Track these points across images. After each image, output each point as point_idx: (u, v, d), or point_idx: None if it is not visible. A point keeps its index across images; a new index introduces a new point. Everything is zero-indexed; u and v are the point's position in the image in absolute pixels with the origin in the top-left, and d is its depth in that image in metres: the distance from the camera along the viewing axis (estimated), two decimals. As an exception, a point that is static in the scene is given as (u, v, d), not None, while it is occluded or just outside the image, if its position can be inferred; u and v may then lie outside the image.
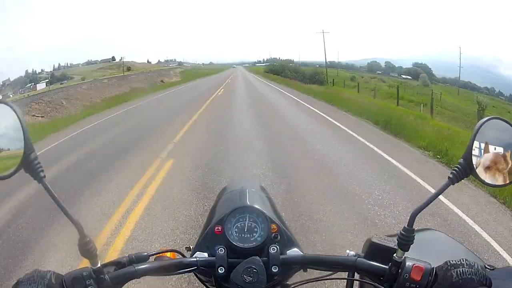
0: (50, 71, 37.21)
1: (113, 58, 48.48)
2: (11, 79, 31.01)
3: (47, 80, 33.84)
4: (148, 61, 56.97)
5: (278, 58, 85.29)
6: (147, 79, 36.20)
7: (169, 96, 20.08)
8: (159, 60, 61.45)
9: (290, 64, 46.40)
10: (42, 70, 36.97)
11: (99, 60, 46.24)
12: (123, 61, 44.85)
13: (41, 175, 0.56)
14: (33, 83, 32.31)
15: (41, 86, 31.98)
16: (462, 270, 0.57)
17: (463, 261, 0.58)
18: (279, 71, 41.53)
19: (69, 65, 41.67)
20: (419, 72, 40.65)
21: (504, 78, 32.72)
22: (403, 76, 37.48)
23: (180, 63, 60.52)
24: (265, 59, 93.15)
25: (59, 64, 39.74)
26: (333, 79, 33.58)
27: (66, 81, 30.99)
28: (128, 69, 40.91)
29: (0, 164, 0.57)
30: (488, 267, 0.62)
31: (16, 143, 0.56)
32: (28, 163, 0.56)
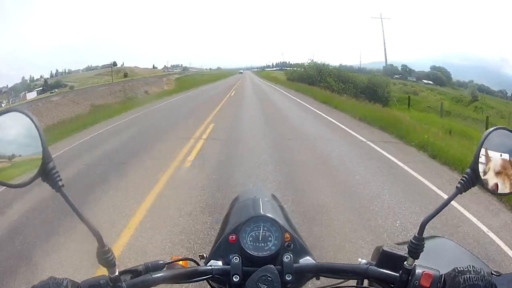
0: (47, 78, 36.45)
1: (115, 64, 46.47)
2: (9, 86, 30.34)
3: (41, 88, 31.49)
4: (154, 66, 56.45)
5: (288, 62, 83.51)
6: (130, 89, 31.69)
7: (127, 125, 12.05)
8: (165, 66, 60.41)
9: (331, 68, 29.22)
10: (41, 76, 36.17)
11: (100, 65, 43.65)
12: (122, 67, 42.79)
13: (60, 184, 0.58)
14: (26, 91, 29.30)
15: (32, 95, 29.70)
16: (469, 276, 0.61)
17: (470, 267, 0.62)
18: (315, 80, 26.59)
19: (67, 71, 39.01)
20: (438, 76, 37.53)
21: (509, 79, 32.43)
22: (424, 81, 34.34)
23: (185, 68, 59.06)
24: (274, 63, 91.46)
25: (56, 70, 37.67)
26: (394, 97, 25.80)
27: (57, 90, 28.82)
28: (125, 75, 40.22)
29: (17, 172, 0.59)
30: (495, 273, 0.66)
31: (32, 151, 0.58)
32: (47, 172, 0.57)
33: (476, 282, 0.60)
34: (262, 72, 76.88)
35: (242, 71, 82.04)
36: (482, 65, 36.22)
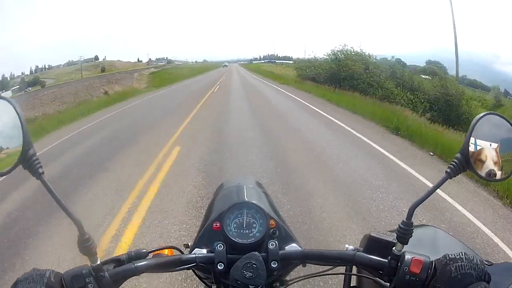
0: (26, 75, 34.97)
1: (96, 58, 44.80)
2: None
3: (17, 86, 29.61)
4: (138, 59, 56.04)
5: (276, 55, 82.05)
6: (87, 90, 26.87)
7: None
8: (150, 59, 60.16)
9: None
10: (22, 73, 34.69)
11: (81, 60, 41.80)
12: (103, 61, 40.89)
13: (40, 171, 0.58)
14: (3, 90, 29.78)
15: (7, 94, 27.69)
16: (461, 264, 0.60)
17: (462, 255, 0.61)
18: (341, 78, 17.42)
19: (47, 67, 36.89)
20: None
21: (502, 75, 31.62)
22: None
23: (169, 61, 57.81)
24: (262, 56, 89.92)
25: (36, 66, 37.18)
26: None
27: (30, 88, 27.17)
28: (103, 70, 38.34)
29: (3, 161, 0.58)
30: (486, 263, 0.65)
31: (14, 139, 0.58)
32: (27, 159, 0.57)
33: (468, 271, 0.59)
34: (250, 65, 75.16)
35: (227, 63, 74.86)
36: (473, 60, 34.87)
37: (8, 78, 31.19)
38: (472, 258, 0.61)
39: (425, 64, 40.12)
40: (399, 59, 44.68)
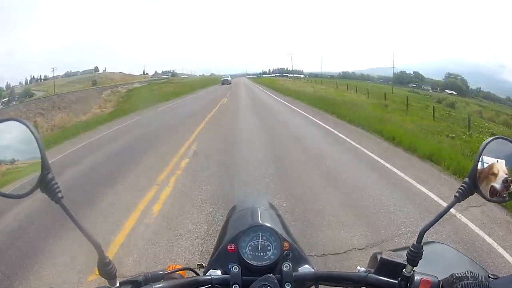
0: (16, 86, 31.98)
1: (96, 69, 43.42)
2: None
3: (6, 99, 28.30)
4: (144, 72, 56.23)
5: (286, 69, 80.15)
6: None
7: None
8: (155, 71, 60.56)
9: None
10: (20, 83, 34.62)
11: (80, 71, 40.60)
12: (104, 72, 39.15)
13: (59, 196, 0.60)
14: None
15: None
16: (467, 282, 0.63)
17: (467, 273, 0.65)
18: None
19: (43, 77, 35.63)
20: (458, 84, 34.21)
21: (508, 84, 33.17)
22: (447, 92, 30.84)
23: (174, 74, 55.87)
24: (271, 70, 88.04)
25: (32, 76, 33.90)
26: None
27: (14, 102, 25.63)
28: (94, 83, 34.94)
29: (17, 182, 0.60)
30: (492, 276, 0.68)
31: (32, 162, 0.60)
32: (46, 183, 0.59)
33: None
34: (261, 79, 71.24)
35: (229, 77, 50.34)
36: (479, 70, 36.22)
37: (4, 88, 30.95)
38: (477, 275, 0.64)
39: (444, 77, 37.78)
40: (417, 72, 42.48)
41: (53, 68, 37.53)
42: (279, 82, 46.79)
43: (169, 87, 39.12)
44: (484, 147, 0.68)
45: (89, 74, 41.07)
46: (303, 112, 14.17)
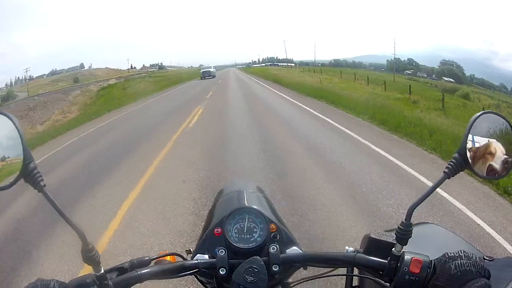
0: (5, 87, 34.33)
1: (82, 66, 42.29)
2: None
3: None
4: (132, 66, 55.03)
5: (276, 58, 79.07)
6: None
7: None
8: (143, 65, 59.32)
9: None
10: (6, 84, 34.01)
11: (66, 68, 39.48)
12: (89, 69, 37.88)
13: (42, 184, 0.60)
14: None
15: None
16: (460, 262, 0.62)
17: (461, 253, 0.63)
18: None
19: (28, 77, 34.56)
20: (455, 72, 33.79)
21: (499, 70, 31.99)
22: (445, 79, 30.33)
23: (161, 67, 54.74)
24: (261, 59, 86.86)
25: (16, 77, 35.78)
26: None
27: None
28: (75, 80, 33.82)
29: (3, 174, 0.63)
30: (487, 258, 0.68)
31: (13, 153, 0.61)
32: (28, 173, 0.60)
33: (468, 268, 0.61)
34: (251, 68, 69.67)
35: (212, 68, 41.58)
36: (470, 57, 35.59)
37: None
38: (471, 255, 0.63)
39: (439, 64, 37.31)
40: (411, 59, 41.99)
41: (26, 68, 36.11)
42: (272, 71, 42.40)
43: (144, 83, 34.59)
44: (473, 122, 0.67)
45: (74, 71, 39.76)
46: (332, 122, 9.11)
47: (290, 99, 15.25)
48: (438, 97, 19.54)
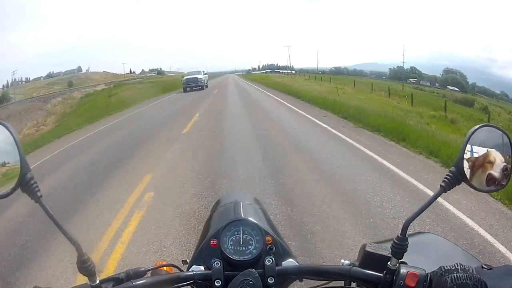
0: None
1: (79, 69, 41.84)
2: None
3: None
4: (131, 71, 54.79)
5: (276, 65, 78.75)
6: None
7: None
8: (142, 70, 58.96)
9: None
10: (3, 86, 32.91)
11: (63, 71, 39.06)
12: (87, 72, 37.47)
13: (38, 195, 0.61)
14: None
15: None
16: (457, 275, 0.61)
17: (457, 265, 0.63)
18: None
19: (24, 80, 34.06)
20: (458, 81, 33.50)
21: (499, 78, 32.84)
22: (450, 88, 29.97)
23: (160, 72, 54.53)
24: (261, 66, 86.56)
25: (13, 79, 34.57)
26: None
27: None
28: (70, 84, 33.20)
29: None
30: (485, 267, 0.68)
31: (13, 159, 0.62)
32: (25, 183, 0.60)
33: (464, 281, 0.60)
34: (251, 75, 68.75)
35: (202, 74, 29.17)
36: (469, 65, 36.13)
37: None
38: (467, 268, 0.62)
39: (442, 73, 37.01)
40: (414, 67, 41.75)
41: (13, 71, 34.74)
42: (275, 79, 40.39)
43: (133, 90, 30.20)
44: (471, 135, 0.66)
45: (71, 74, 39.29)
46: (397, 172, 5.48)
47: (316, 120, 10.31)
48: (467, 112, 19.06)
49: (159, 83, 37.45)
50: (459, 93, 29.78)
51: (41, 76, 37.41)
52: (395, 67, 40.08)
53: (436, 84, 35.68)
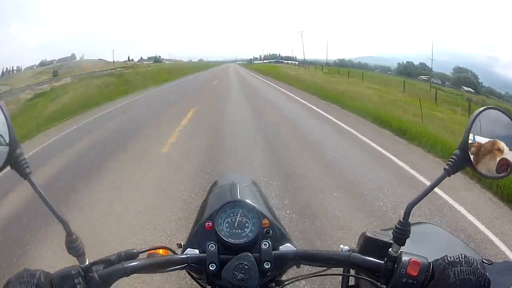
0: None
1: (73, 57, 40.38)
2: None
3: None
4: (129, 58, 51.99)
5: (278, 55, 76.89)
6: None
7: None
8: (141, 57, 56.58)
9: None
10: None
11: (56, 59, 37.57)
12: (81, 59, 35.83)
13: (27, 171, 0.61)
14: None
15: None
16: (460, 269, 0.60)
17: (461, 258, 0.61)
18: None
19: (15, 69, 32.56)
20: (472, 81, 32.26)
21: (501, 77, 31.27)
22: (465, 88, 28.58)
23: (157, 60, 53.77)
24: (263, 56, 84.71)
25: (5, 69, 31.51)
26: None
27: None
28: (55, 74, 31.72)
29: None
30: (486, 262, 0.67)
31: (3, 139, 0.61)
32: (14, 159, 0.60)
33: (467, 277, 0.59)
34: (252, 65, 66.98)
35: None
36: (471, 63, 34.08)
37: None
38: (472, 261, 0.61)
39: (452, 71, 35.66)
40: (424, 63, 40.30)
41: (71, 54, 32.94)
42: (286, 70, 33.91)
43: (93, 88, 22.82)
44: (476, 117, 0.65)
45: (65, 62, 37.50)
46: None
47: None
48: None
49: (145, 74, 31.28)
50: (474, 94, 28.38)
51: (34, 65, 35.75)
52: (404, 62, 38.62)
53: (446, 82, 34.41)
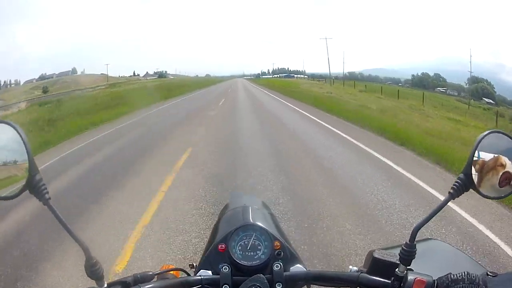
0: None
1: (74, 71, 40.15)
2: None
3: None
4: (134, 73, 53.18)
5: (287, 69, 76.26)
6: None
7: None
8: (147, 72, 56.82)
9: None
10: None
11: (57, 73, 37.46)
12: (82, 74, 35.55)
13: (46, 197, 0.62)
14: None
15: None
16: (462, 286, 0.62)
17: (464, 275, 0.63)
18: None
19: (13, 82, 33.80)
20: (490, 92, 30.85)
21: (506, 84, 31.44)
22: (486, 100, 27.07)
23: (161, 75, 53.13)
24: (271, 70, 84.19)
25: (4, 81, 32.17)
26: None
27: None
28: (45, 91, 30.90)
29: (4, 184, 0.62)
30: (490, 274, 0.68)
31: (19, 163, 0.62)
32: (34, 185, 0.61)
33: None
34: (260, 80, 66.01)
35: None
36: (477, 70, 34.12)
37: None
38: (474, 278, 0.63)
39: (467, 81, 34.37)
40: (438, 74, 39.04)
41: (72, 68, 32.63)
42: (305, 87, 29.79)
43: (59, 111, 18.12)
44: (480, 141, 0.67)
45: (65, 76, 37.16)
46: None
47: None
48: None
49: (137, 92, 26.59)
50: (495, 106, 27.00)
51: (34, 79, 35.41)
52: (419, 74, 37.64)
53: (462, 93, 32.99)
